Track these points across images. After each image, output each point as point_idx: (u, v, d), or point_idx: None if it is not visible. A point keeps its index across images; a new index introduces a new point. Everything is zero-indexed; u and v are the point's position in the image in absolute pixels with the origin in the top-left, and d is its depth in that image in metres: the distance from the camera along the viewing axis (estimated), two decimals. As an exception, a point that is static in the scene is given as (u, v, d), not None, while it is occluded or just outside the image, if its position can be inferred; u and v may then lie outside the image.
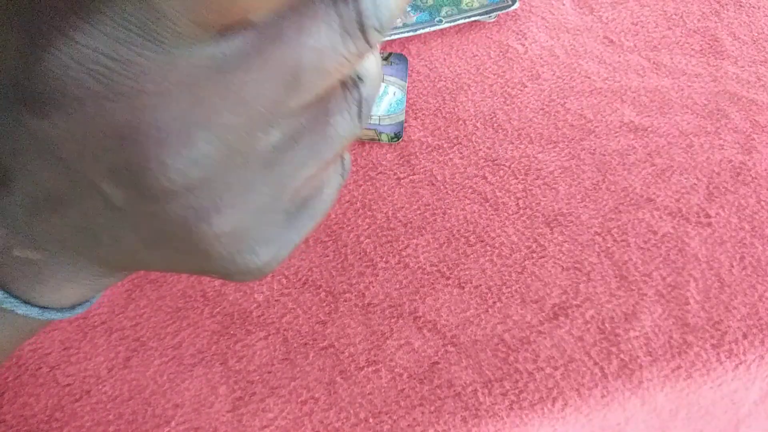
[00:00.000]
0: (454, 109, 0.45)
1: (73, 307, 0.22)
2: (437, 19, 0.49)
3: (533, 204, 0.40)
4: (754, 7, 0.50)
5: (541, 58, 0.47)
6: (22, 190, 0.18)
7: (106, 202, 0.17)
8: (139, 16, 0.14)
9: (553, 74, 0.47)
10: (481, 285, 0.37)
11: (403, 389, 0.34)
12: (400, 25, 0.48)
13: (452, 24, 0.48)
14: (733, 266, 0.38)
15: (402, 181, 0.41)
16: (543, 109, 0.45)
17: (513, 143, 0.43)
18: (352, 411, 0.33)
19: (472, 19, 0.48)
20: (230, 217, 0.18)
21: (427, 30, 0.48)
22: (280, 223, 0.19)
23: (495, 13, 0.49)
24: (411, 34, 0.48)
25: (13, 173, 0.17)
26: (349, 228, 0.39)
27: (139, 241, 0.18)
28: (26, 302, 0.20)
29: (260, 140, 0.17)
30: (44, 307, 0.21)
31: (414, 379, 0.34)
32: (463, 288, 0.37)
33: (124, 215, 0.17)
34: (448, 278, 0.37)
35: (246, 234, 0.18)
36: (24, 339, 0.23)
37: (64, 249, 0.19)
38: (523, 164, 0.42)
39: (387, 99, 0.44)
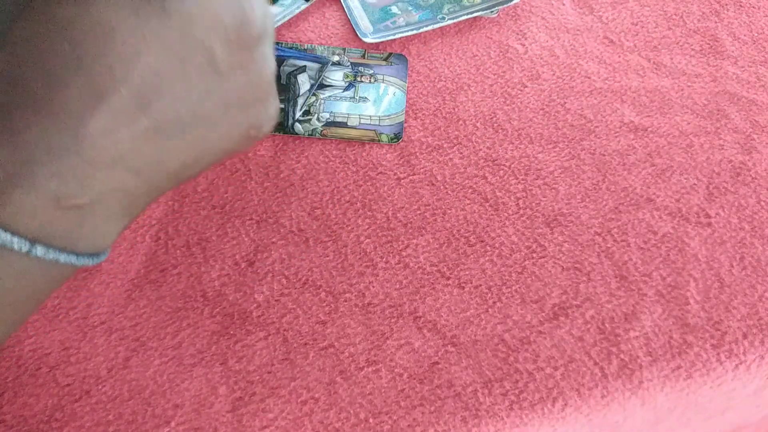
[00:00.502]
0: (454, 109, 0.45)
1: (98, 254, 0.24)
2: (440, 16, 0.49)
3: (533, 204, 0.40)
4: (754, 7, 0.50)
5: (541, 58, 0.47)
6: (129, 97, 0.21)
7: (211, 63, 0.22)
8: None
9: (553, 74, 0.47)
10: (481, 285, 0.37)
11: (403, 389, 0.34)
12: (403, 24, 0.48)
13: (455, 21, 0.48)
14: (733, 266, 0.38)
15: (402, 181, 0.41)
16: (543, 109, 0.45)
17: (513, 143, 0.43)
18: (352, 411, 0.33)
19: (475, 14, 0.48)
20: (272, 63, 0.25)
21: (430, 28, 0.48)
22: None
23: (497, 8, 0.49)
24: (414, 32, 0.48)
25: (125, 82, 0.21)
26: (349, 228, 0.39)
27: (219, 108, 0.23)
28: (65, 250, 0.23)
29: None
30: (78, 254, 0.23)
31: (414, 379, 0.34)
32: (463, 288, 0.37)
33: (219, 77, 0.22)
34: (448, 278, 0.37)
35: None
36: (57, 286, 0.25)
37: (121, 174, 0.22)
38: (523, 164, 0.42)
39: (387, 99, 0.44)
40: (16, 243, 0.21)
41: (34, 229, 0.22)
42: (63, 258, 0.22)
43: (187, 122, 0.23)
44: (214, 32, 0.21)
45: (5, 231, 0.21)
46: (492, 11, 0.49)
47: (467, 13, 0.48)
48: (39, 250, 0.22)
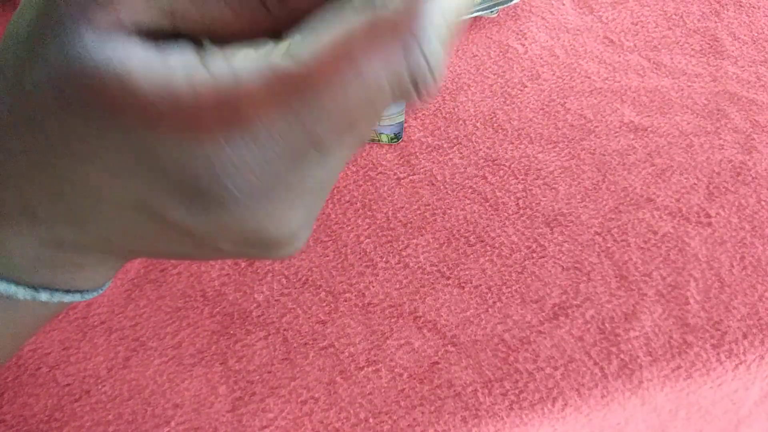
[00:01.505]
0: (454, 109, 0.45)
1: (97, 289, 0.24)
2: None
3: (533, 204, 0.40)
4: (754, 7, 0.50)
5: (541, 58, 0.47)
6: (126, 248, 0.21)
7: (164, 223, 0.19)
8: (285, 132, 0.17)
9: (553, 74, 0.47)
10: (481, 285, 0.37)
11: (403, 389, 0.34)
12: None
13: (452, 23, 0.48)
14: (733, 266, 0.38)
15: (402, 181, 0.41)
16: (543, 109, 0.45)
17: (513, 143, 0.43)
18: (352, 411, 0.33)
19: (475, 14, 0.48)
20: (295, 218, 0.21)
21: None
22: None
23: (497, 8, 0.49)
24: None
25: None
26: (349, 228, 0.39)
27: (193, 247, 0.21)
28: (61, 290, 0.22)
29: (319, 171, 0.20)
30: (73, 291, 0.23)
31: (414, 379, 0.34)
32: (463, 288, 0.37)
33: (181, 231, 0.20)
34: (448, 278, 0.37)
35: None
36: (46, 321, 0.25)
37: (119, 251, 0.22)
38: (523, 164, 0.42)
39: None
40: (21, 293, 0.21)
41: (36, 278, 0.22)
42: (67, 298, 0.22)
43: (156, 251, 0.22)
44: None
45: (8, 281, 0.21)
46: (492, 11, 0.49)
47: (467, 13, 0.48)
48: (43, 296, 0.22)
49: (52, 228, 0.21)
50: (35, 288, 0.22)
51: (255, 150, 0.17)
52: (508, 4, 0.49)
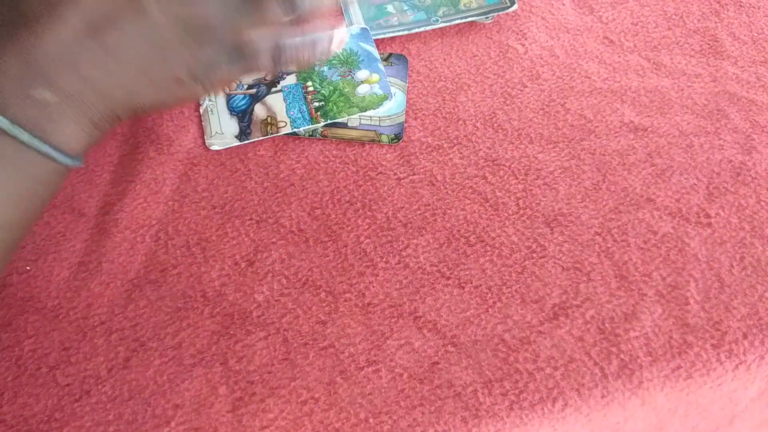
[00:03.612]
0: (454, 109, 0.45)
1: (76, 156, 0.28)
2: (433, 18, 0.49)
3: (533, 204, 0.40)
4: (754, 7, 0.50)
5: (541, 58, 0.47)
6: (72, 21, 0.26)
7: (140, 9, 0.26)
8: None
9: (553, 74, 0.47)
10: (481, 285, 0.37)
11: (403, 389, 0.34)
12: (396, 24, 0.48)
13: (448, 24, 0.48)
14: (733, 266, 0.38)
15: (402, 181, 0.41)
16: (543, 109, 0.45)
17: (513, 143, 0.43)
18: (352, 411, 0.33)
19: (469, 19, 0.48)
20: (221, 28, 0.30)
21: (422, 29, 0.48)
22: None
23: (492, 15, 0.49)
24: (406, 33, 0.48)
25: (74, 4, 0.26)
26: (349, 228, 0.39)
27: (150, 46, 0.27)
28: (38, 137, 0.26)
29: None
30: (56, 148, 0.27)
31: (414, 379, 0.34)
32: (463, 288, 0.37)
33: (149, 20, 0.27)
34: (448, 278, 0.37)
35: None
36: (44, 189, 0.29)
37: (79, 85, 0.27)
38: (523, 164, 0.42)
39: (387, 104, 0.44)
40: (3, 122, 0.25)
41: (15, 114, 0.26)
42: (38, 144, 0.26)
43: (123, 51, 0.27)
44: None
45: None
46: (487, 17, 0.49)
47: (462, 17, 0.48)
48: (17, 130, 0.26)
49: (19, 71, 0.26)
50: (11, 122, 0.25)
51: None
52: (505, 11, 0.49)
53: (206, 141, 0.43)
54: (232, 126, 0.43)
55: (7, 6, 0.26)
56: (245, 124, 0.43)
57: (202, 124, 0.44)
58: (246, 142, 0.42)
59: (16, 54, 0.26)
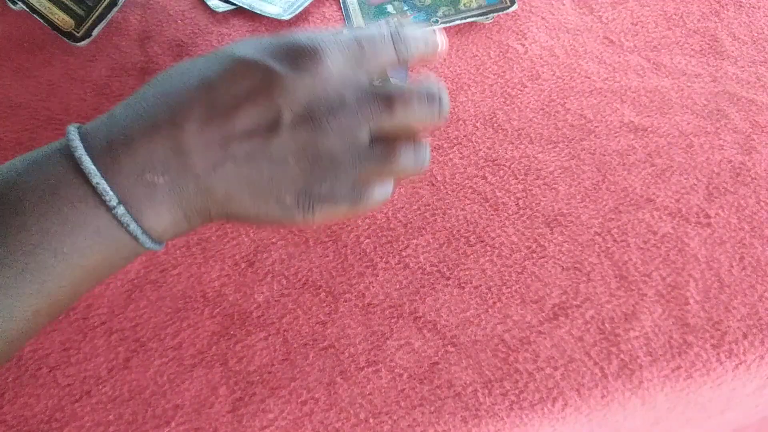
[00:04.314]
0: (454, 109, 0.45)
1: (159, 241, 0.29)
2: (433, 19, 0.49)
3: (533, 204, 0.40)
4: (754, 7, 0.50)
5: (541, 58, 0.47)
6: (223, 130, 0.28)
7: (276, 130, 0.28)
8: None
9: (553, 74, 0.47)
10: (481, 285, 0.37)
11: (403, 389, 0.34)
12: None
13: (448, 25, 0.48)
14: (733, 266, 0.38)
15: (402, 181, 0.41)
16: (543, 109, 0.45)
17: (513, 143, 0.43)
18: (352, 411, 0.33)
19: (469, 20, 0.48)
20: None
21: (426, 30, 0.48)
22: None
23: (492, 15, 0.49)
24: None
25: (226, 117, 0.28)
26: (349, 228, 0.39)
27: (269, 163, 0.28)
28: (135, 220, 0.27)
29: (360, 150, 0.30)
30: (143, 229, 0.28)
31: (414, 379, 0.34)
32: (463, 288, 0.37)
33: (279, 140, 0.28)
34: (448, 278, 0.37)
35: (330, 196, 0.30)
36: (116, 262, 0.29)
37: (189, 177, 0.28)
38: (523, 164, 0.42)
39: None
40: (109, 195, 0.26)
41: (122, 191, 0.27)
42: (133, 227, 0.27)
43: (240, 162, 0.28)
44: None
45: (108, 185, 0.26)
46: (487, 17, 0.49)
47: (461, 18, 0.48)
48: (120, 210, 0.26)
49: (143, 156, 0.27)
50: (119, 200, 0.27)
51: None
52: (505, 11, 0.49)
53: None
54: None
55: (170, 104, 0.28)
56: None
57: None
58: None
59: (150, 142, 0.27)
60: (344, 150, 0.29)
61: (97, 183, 0.26)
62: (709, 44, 0.48)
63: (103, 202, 0.26)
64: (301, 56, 0.28)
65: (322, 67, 0.28)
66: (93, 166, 0.26)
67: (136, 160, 0.27)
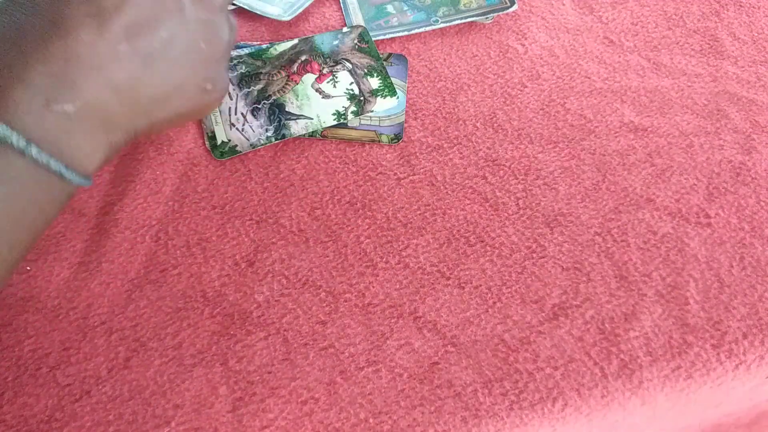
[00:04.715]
0: (454, 109, 0.45)
1: (86, 176, 0.27)
2: (433, 19, 0.49)
3: (533, 204, 0.40)
4: (754, 7, 0.50)
5: (541, 58, 0.47)
6: (113, 28, 0.25)
7: (181, 9, 0.28)
8: None
9: (553, 74, 0.47)
10: (481, 285, 0.37)
11: (403, 389, 0.34)
12: (396, 24, 0.48)
13: (448, 24, 0.48)
14: (732, 266, 0.38)
15: (402, 181, 0.41)
16: (543, 109, 0.45)
17: (513, 143, 0.43)
18: (352, 411, 0.33)
19: (469, 20, 0.48)
20: (228, 36, 0.32)
21: (422, 30, 0.48)
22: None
23: (492, 15, 0.49)
24: (406, 33, 0.48)
25: (119, 11, 0.26)
26: (349, 228, 0.39)
27: (183, 51, 0.28)
28: (55, 157, 0.25)
29: None
30: (67, 166, 0.26)
31: (414, 379, 0.34)
32: (463, 288, 0.37)
33: (185, 22, 0.28)
34: (448, 278, 0.37)
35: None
36: (51, 207, 0.27)
37: (106, 94, 0.26)
38: (523, 164, 0.42)
39: (387, 100, 0.44)
40: (15, 138, 0.24)
41: (28, 128, 0.24)
42: (53, 164, 0.25)
43: (158, 56, 0.27)
44: None
45: (6, 126, 0.24)
46: (487, 17, 0.49)
47: (461, 18, 0.48)
48: (33, 150, 0.24)
49: (42, 82, 0.24)
50: (27, 141, 0.24)
51: None
52: (505, 11, 0.49)
53: None
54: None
55: (38, 18, 0.25)
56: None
57: (201, 125, 0.44)
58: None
59: (45, 65, 0.24)
60: (223, 19, 0.31)
61: None
62: (709, 44, 0.48)
63: (11, 146, 0.24)
64: None
65: None
66: None
67: (33, 90, 0.24)
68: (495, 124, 0.44)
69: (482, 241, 0.39)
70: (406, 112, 0.45)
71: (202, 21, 0.28)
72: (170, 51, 0.27)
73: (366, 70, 0.45)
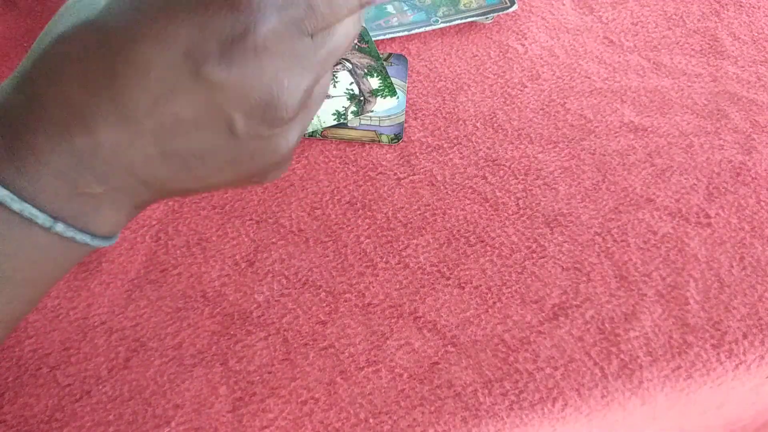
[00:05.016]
0: (454, 109, 0.45)
1: (108, 237, 0.27)
2: (433, 19, 0.49)
3: (533, 204, 0.40)
4: (754, 7, 0.50)
5: (541, 58, 0.47)
6: (151, 130, 0.24)
7: (230, 128, 0.24)
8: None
9: (553, 74, 0.47)
10: (481, 285, 0.37)
11: (403, 389, 0.34)
12: (396, 24, 0.48)
13: (448, 24, 0.48)
14: (733, 266, 0.38)
15: (402, 181, 0.41)
16: (543, 109, 0.45)
17: (513, 143, 0.43)
18: (352, 411, 0.33)
19: (469, 20, 0.48)
20: (294, 141, 0.27)
21: (422, 30, 0.48)
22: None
23: (492, 15, 0.49)
24: (406, 33, 0.48)
25: (150, 117, 0.23)
26: (349, 228, 0.39)
27: (225, 162, 0.26)
28: (81, 230, 0.25)
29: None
30: (93, 235, 0.26)
31: (414, 379, 0.34)
32: (463, 288, 0.37)
33: (234, 140, 0.25)
34: (448, 278, 0.37)
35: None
36: (70, 266, 0.27)
37: (130, 180, 0.25)
38: (523, 164, 0.42)
39: (387, 100, 0.44)
40: (40, 218, 0.24)
41: (55, 208, 0.24)
42: (79, 237, 0.25)
43: (195, 165, 0.25)
44: (239, 105, 0.24)
45: (32, 206, 0.24)
46: (487, 17, 0.49)
47: (461, 18, 0.48)
48: (59, 227, 0.24)
49: (70, 172, 0.24)
50: (54, 217, 0.24)
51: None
52: (505, 11, 0.49)
53: None
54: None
55: (59, 107, 0.24)
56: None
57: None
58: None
59: (70, 152, 0.24)
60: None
61: (21, 209, 0.23)
62: (709, 44, 0.48)
63: (37, 225, 0.24)
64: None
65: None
66: (5, 191, 0.23)
67: (62, 177, 0.24)
68: (495, 124, 0.44)
69: (482, 241, 0.39)
70: (406, 112, 0.45)
71: (257, 137, 0.25)
72: (209, 161, 0.25)
73: (366, 70, 0.45)
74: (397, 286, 0.37)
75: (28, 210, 0.24)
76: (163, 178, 0.26)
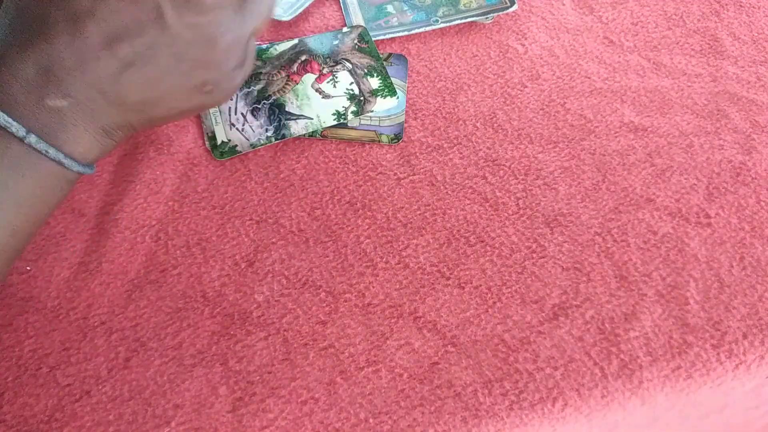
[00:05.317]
0: (454, 109, 0.45)
1: (87, 164, 0.28)
2: (433, 19, 0.49)
3: (533, 204, 0.40)
4: (754, 7, 0.50)
5: (541, 58, 0.47)
6: (89, 33, 0.26)
7: (159, 17, 0.26)
8: None
9: (553, 74, 0.47)
10: (481, 285, 0.37)
11: (403, 389, 0.34)
12: (396, 24, 0.48)
13: (448, 24, 0.48)
14: (733, 266, 0.38)
15: (402, 181, 0.41)
16: (543, 109, 0.45)
17: (513, 143, 0.43)
18: (352, 411, 0.33)
19: (469, 20, 0.48)
20: (231, 35, 0.29)
21: (422, 30, 0.48)
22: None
23: (492, 15, 0.49)
24: (406, 33, 0.48)
25: (92, 16, 0.26)
26: (349, 228, 0.39)
27: (169, 57, 0.27)
28: (53, 145, 0.26)
29: None
30: (66, 154, 0.27)
31: (414, 379, 0.34)
32: (463, 288, 0.37)
33: (166, 30, 0.27)
34: (448, 278, 0.37)
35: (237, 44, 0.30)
36: (52, 195, 0.28)
37: (92, 94, 0.27)
38: (523, 164, 0.42)
39: (387, 100, 0.44)
40: (15, 127, 0.25)
41: (26, 121, 0.26)
42: (52, 152, 0.26)
43: (140, 63, 0.27)
44: None
45: (6, 114, 0.25)
46: (487, 17, 0.49)
47: (461, 18, 0.48)
48: (32, 138, 0.26)
49: (36, 78, 0.26)
50: (27, 129, 0.26)
51: None
52: (505, 11, 0.49)
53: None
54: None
55: (27, 14, 0.26)
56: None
57: (201, 125, 0.44)
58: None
59: (34, 61, 0.26)
60: (226, 18, 0.28)
61: None
62: (709, 44, 0.48)
63: (11, 134, 0.26)
64: None
65: None
66: None
67: (28, 86, 0.26)
68: (495, 124, 0.44)
69: (482, 241, 0.39)
70: (406, 112, 0.45)
71: (189, 25, 0.27)
72: (154, 57, 0.27)
73: (366, 70, 0.45)
74: (397, 286, 0.37)
75: (3, 118, 0.25)
76: (121, 89, 0.27)
